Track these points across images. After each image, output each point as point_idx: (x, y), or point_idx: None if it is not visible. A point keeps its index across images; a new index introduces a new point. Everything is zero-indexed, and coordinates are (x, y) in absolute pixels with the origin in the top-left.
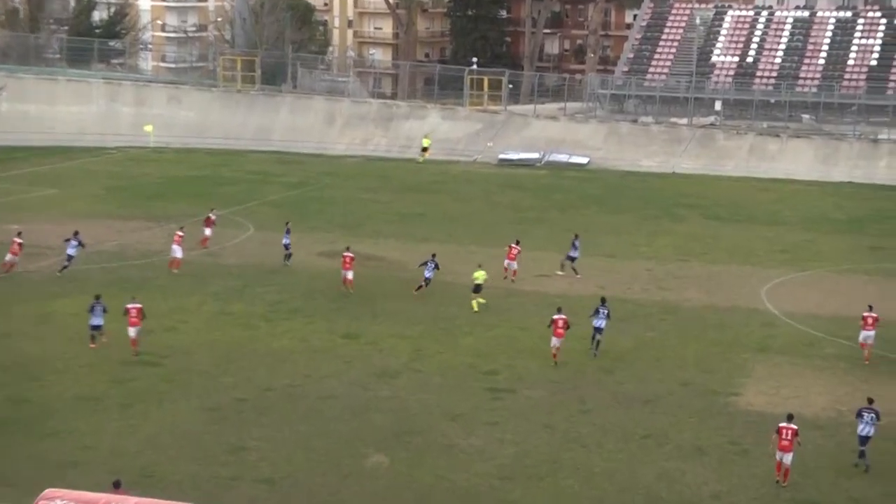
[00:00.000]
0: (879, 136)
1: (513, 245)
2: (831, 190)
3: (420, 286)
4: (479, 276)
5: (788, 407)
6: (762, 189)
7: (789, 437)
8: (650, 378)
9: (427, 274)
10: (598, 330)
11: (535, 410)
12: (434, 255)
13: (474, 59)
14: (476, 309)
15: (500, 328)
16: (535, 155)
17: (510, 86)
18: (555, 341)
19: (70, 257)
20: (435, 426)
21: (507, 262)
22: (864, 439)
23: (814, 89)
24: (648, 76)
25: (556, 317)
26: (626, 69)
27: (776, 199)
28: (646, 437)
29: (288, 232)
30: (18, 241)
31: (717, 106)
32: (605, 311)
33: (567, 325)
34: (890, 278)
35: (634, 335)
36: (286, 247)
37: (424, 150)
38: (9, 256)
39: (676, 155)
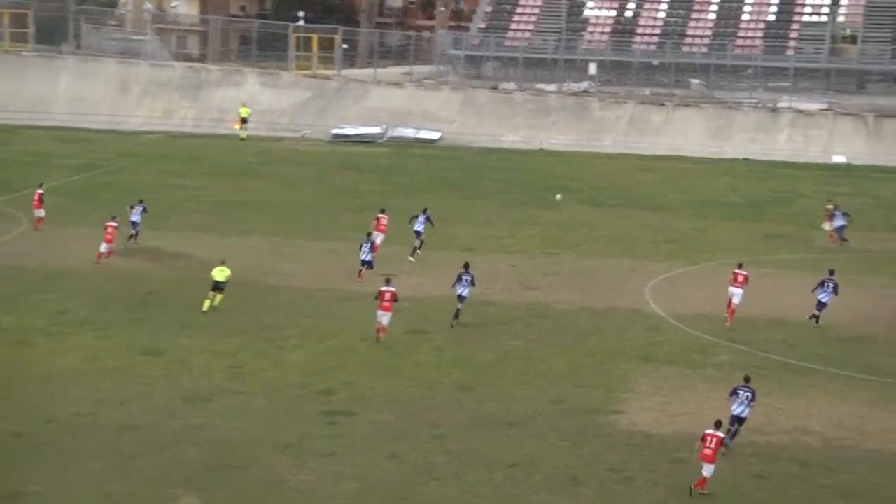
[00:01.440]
0: (779, 105)
1: (380, 215)
2: (725, 168)
3: (414, 249)
4: (221, 273)
5: (677, 426)
6: (645, 168)
7: (713, 446)
8: (516, 396)
9: (418, 227)
10: (461, 299)
11: (380, 437)
12: (426, 209)
13: (301, 14)
14: (205, 309)
15: (337, 338)
16: (376, 129)
17: (345, 46)
18: (380, 316)
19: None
20: (258, 459)
21: (376, 234)
22: (737, 419)
23: (703, 49)
24: (510, 34)
25: (383, 288)
26: (483, 26)
27: (661, 180)
28: (512, 467)
29: (143, 210)
30: (114, 224)
31: (592, 70)
32: (469, 278)
33: (395, 299)
34: (789, 271)
35: (496, 345)
36: (134, 224)
37: (244, 121)
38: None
39: (544, 128)
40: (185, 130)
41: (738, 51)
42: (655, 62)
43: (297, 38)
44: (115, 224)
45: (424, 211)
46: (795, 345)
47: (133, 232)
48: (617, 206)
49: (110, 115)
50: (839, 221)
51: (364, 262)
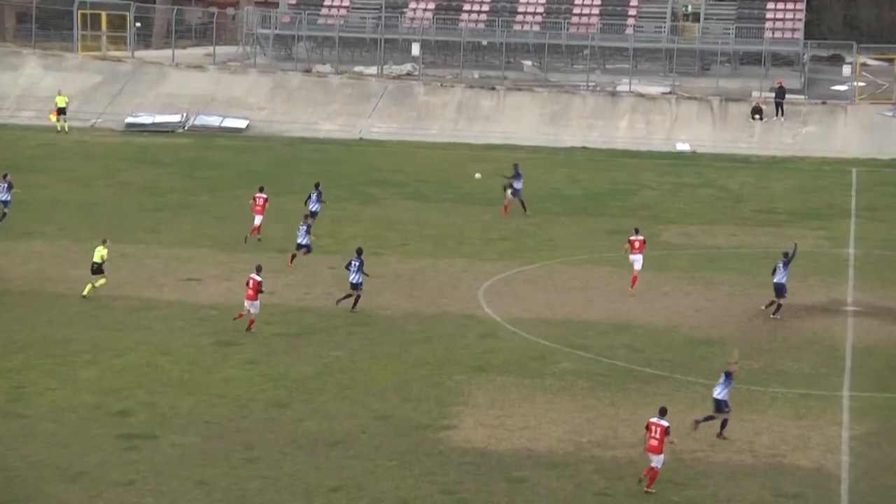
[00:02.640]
0: (619, 88)
1: (258, 195)
2: (562, 158)
3: (294, 255)
4: (97, 253)
5: (516, 442)
6: (476, 158)
7: (658, 436)
8: (337, 413)
9: (313, 207)
10: (355, 286)
11: (185, 462)
12: (318, 185)
13: None
14: (85, 294)
15: (134, 353)
16: (176, 118)
17: (137, 24)
18: (247, 305)
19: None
20: (46, 490)
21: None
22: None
23: (536, 28)
24: (324, 11)
25: (251, 276)
26: (293, 2)
27: (493, 172)
28: (334, 491)
29: (9, 186)
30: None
31: (415, 50)
32: (357, 263)
33: (259, 288)
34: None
35: (315, 357)
36: (5, 203)
37: (61, 111)
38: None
39: (364, 115)
40: None
41: (573, 30)
42: (484, 42)
43: (84, 14)
44: None
45: (317, 187)
46: (640, 350)
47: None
48: (446, 200)
49: None
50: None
51: (301, 246)
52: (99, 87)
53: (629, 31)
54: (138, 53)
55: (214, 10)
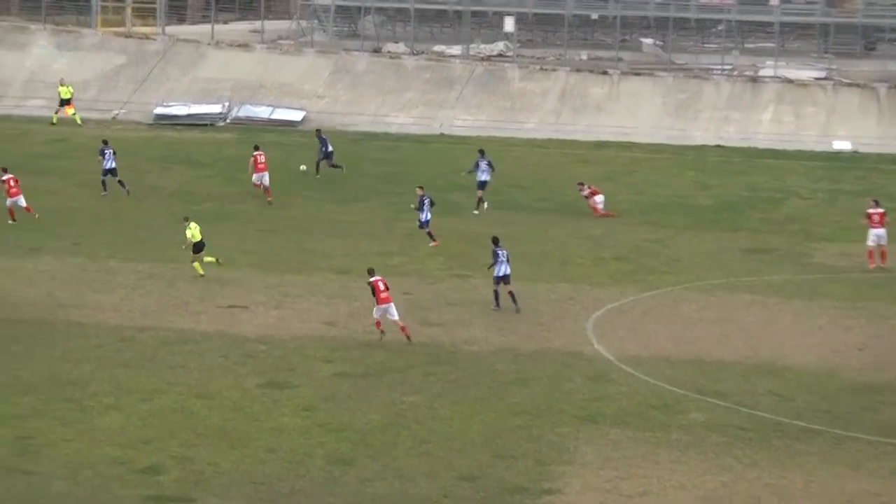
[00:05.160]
0: (761, 72)
1: (256, 153)
2: (690, 158)
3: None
4: (195, 231)
5: None
6: (582, 158)
7: None
8: (413, 472)
9: (423, 217)
10: (499, 279)
11: None
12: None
13: None
14: (202, 272)
15: (165, 396)
16: (216, 108)
17: None
18: (381, 311)
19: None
20: None
21: (257, 176)
22: None
23: None
24: None
25: (372, 279)
26: None
27: (605, 175)
28: None
29: None
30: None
31: (509, 26)
32: (505, 253)
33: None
34: (778, 298)
35: (385, 402)
36: None
37: (67, 102)
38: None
39: (446, 106)
40: None
41: (705, 0)
42: (594, 15)
43: None
44: None
45: (421, 188)
46: (789, 398)
47: None
48: (546, 210)
49: None
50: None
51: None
52: (122, 71)
53: (774, 1)
54: (170, 29)
55: None
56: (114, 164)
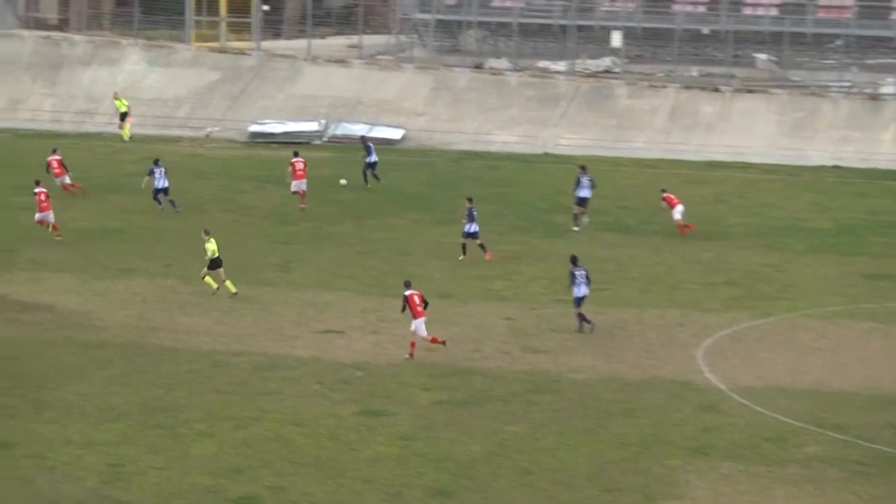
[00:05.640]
0: (882, 90)
1: (295, 160)
2: (807, 179)
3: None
4: (213, 247)
5: None
6: (693, 179)
7: None
8: None
9: (468, 228)
10: (579, 301)
11: None
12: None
13: None
14: (215, 286)
15: (259, 423)
16: (312, 125)
17: (265, 8)
18: (417, 326)
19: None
20: None
21: (296, 184)
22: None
23: (772, 12)
24: None
25: (408, 293)
26: None
27: (716, 197)
28: None
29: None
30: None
31: (616, 41)
32: (584, 273)
33: (425, 301)
34: None
35: (486, 431)
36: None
37: (124, 116)
38: None
39: (550, 124)
40: (39, 127)
41: (822, 14)
42: (706, 30)
43: None
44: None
45: (469, 201)
46: None
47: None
48: (654, 233)
49: None
50: None
51: (468, 235)
52: (216, 87)
53: (895, 15)
54: (265, 44)
55: None
56: (166, 184)
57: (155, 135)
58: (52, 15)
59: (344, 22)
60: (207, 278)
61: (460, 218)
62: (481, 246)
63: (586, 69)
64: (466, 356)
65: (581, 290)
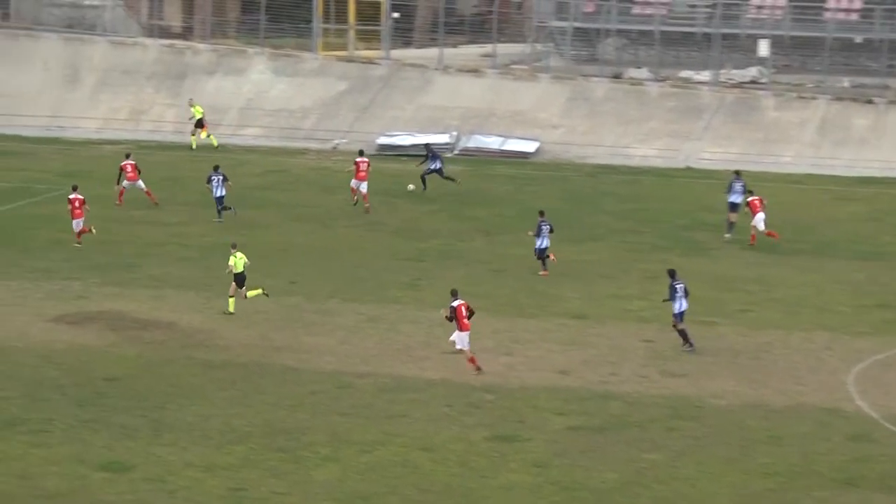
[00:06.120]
0: None
1: (359, 160)
2: None
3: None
4: (239, 262)
5: None
6: (843, 196)
7: None
8: None
9: (540, 244)
10: (681, 315)
11: None
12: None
13: None
14: (231, 310)
15: (385, 448)
16: (443, 138)
17: (395, 15)
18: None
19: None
20: None
21: (355, 182)
22: None
23: None
24: None
25: (456, 303)
26: None
27: (868, 215)
28: None
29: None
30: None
31: (763, 50)
32: (683, 286)
33: (471, 312)
34: None
35: (623, 459)
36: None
37: (200, 123)
38: None
39: (693, 136)
40: (162, 139)
41: None
42: (858, 38)
43: (326, 3)
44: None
45: (541, 214)
46: None
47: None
48: (801, 252)
49: (52, 117)
50: None
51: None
52: (343, 98)
53: None
54: (395, 53)
55: None
56: (223, 192)
57: (280, 147)
58: (176, 23)
59: (477, 30)
60: (231, 299)
61: (528, 232)
62: (546, 258)
63: (731, 79)
64: (603, 379)
65: (681, 305)
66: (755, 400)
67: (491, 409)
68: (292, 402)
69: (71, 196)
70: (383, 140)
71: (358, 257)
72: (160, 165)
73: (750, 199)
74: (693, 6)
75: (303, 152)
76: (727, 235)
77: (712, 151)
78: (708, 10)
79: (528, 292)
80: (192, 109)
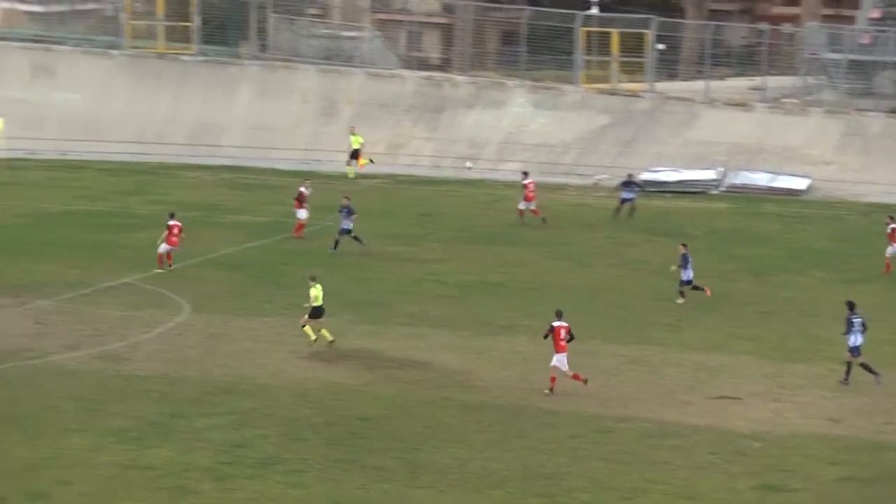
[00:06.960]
0: None
1: (528, 182)
2: None
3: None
4: (319, 294)
5: None
6: None
7: None
8: None
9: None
10: (857, 350)
11: None
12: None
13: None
14: (314, 337)
15: (647, 495)
16: (709, 174)
17: (661, 46)
18: (557, 361)
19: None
20: None
21: (524, 204)
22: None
23: None
24: None
25: (556, 324)
26: (877, 15)
27: None
28: None
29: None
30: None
31: None
32: (861, 321)
33: (571, 336)
34: None
35: None
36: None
37: (355, 154)
38: None
39: None
40: (419, 173)
41: None
42: None
43: (588, 34)
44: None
45: (685, 247)
46: None
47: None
48: None
49: (308, 149)
50: None
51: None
52: (606, 132)
53: None
54: (660, 86)
55: (765, 26)
56: (350, 225)
57: (540, 182)
58: (434, 54)
59: (745, 62)
60: (307, 328)
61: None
62: (695, 287)
63: None
64: (878, 429)
65: (857, 339)
66: None
67: (758, 458)
68: (552, 446)
69: (170, 223)
70: (647, 176)
71: (617, 297)
72: (417, 200)
73: (891, 226)
74: None
75: (562, 188)
76: None
77: None
78: None
79: (798, 336)
80: (352, 138)
